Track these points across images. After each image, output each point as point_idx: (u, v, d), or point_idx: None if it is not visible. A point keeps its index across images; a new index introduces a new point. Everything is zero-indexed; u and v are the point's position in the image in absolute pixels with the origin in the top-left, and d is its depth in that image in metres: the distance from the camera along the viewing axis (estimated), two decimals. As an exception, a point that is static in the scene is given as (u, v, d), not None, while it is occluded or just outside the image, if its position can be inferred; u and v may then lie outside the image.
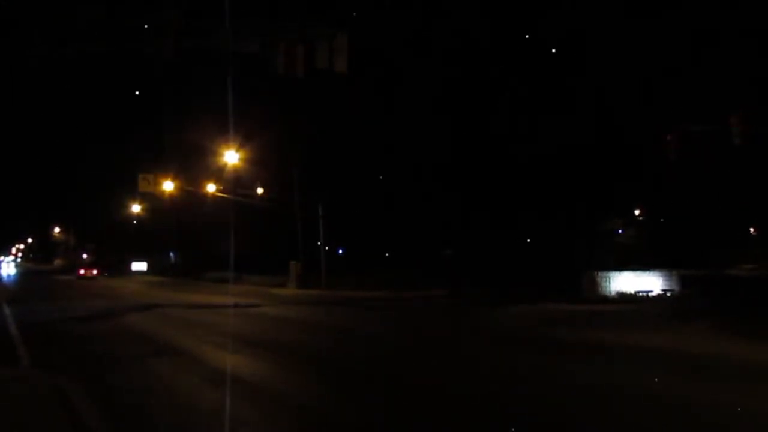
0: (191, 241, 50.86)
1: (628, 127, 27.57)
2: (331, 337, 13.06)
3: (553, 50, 27.72)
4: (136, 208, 48.93)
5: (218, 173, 33.43)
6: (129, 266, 59.04)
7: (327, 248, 32.67)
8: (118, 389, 7.63)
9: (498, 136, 30.49)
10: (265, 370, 8.97)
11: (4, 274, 47.48)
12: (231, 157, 31.17)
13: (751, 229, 45.93)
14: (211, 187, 34.33)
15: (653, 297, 20.08)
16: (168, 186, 33.29)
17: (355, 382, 7.98)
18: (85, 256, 76.14)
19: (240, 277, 34.73)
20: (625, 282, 20.60)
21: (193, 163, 36.15)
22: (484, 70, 29.46)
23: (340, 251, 49.03)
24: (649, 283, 20.65)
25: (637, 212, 38.54)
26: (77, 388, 7.44)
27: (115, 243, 62.53)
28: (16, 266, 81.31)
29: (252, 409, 6.60)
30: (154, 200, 43.18)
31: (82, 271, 49.12)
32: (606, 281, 20.58)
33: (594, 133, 28.42)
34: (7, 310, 18.04)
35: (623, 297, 19.87)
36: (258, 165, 33.38)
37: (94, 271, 49.38)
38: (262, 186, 35.67)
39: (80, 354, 10.40)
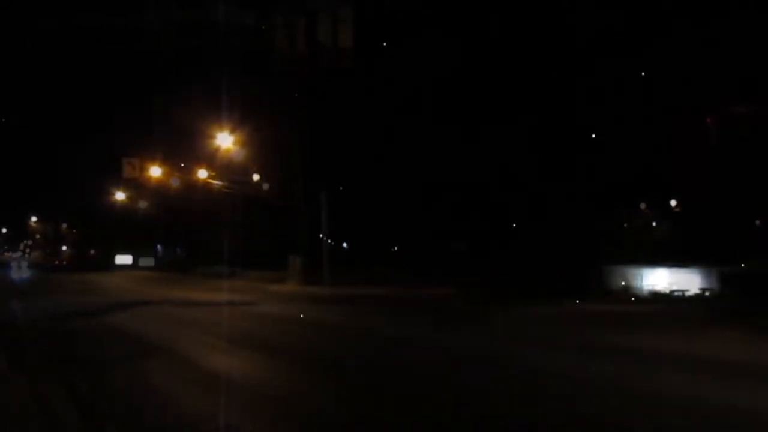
0: (181, 232, 51.09)
1: (663, 109, 27.39)
2: (333, 340, 13.10)
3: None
4: (120, 195, 48.92)
5: (211, 158, 33.50)
6: (113, 259, 59.46)
7: (330, 242, 32.73)
8: (103, 393, 7.72)
9: (514, 121, 30.39)
10: (261, 374, 9.04)
11: None
12: (225, 140, 31.20)
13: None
14: (202, 173, 34.37)
15: (690, 297, 20.01)
16: (155, 172, 33.35)
17: (359, 390, 8.01)
18: (64, 248, 76.71)
19: (235, 272, 34.85)
20: (658, 279, 20.55)
21: (184, 148, 36.25)
22: (497, 55, 29.35)
23: (345, 245, 49.16)
24: (686, 281, 20.59)
25: (673, 203, 38.32)
26: (59, 393, 7.54)
27: (98, 234, 62.97)
28: None
29: (247, 415, 6.67)
30: (140, 188, 43.36)
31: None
32: (638, 279, 20.55)
33: (622, 116, 28.27)
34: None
35: (656, 296, 19.84)
36: (255, 150, 33.41)
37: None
38: (259, 173, 35.72)
39: (62, 355, 10.50)
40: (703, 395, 7.46)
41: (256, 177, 35.90)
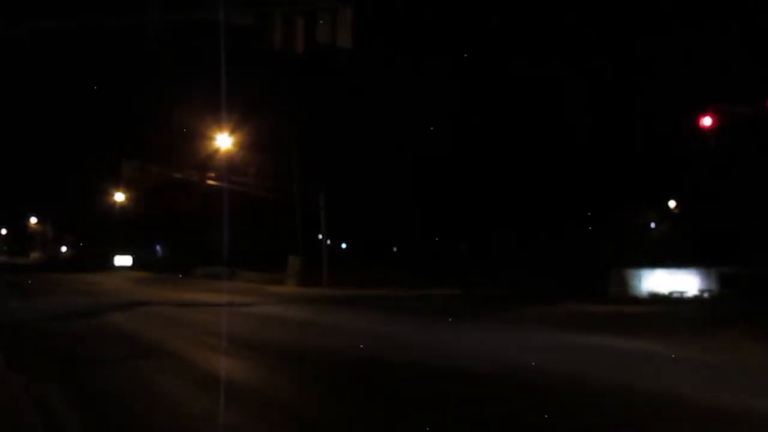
0: (180, 233, 51.11)
1: (661, 109, 27.46)
2: (334, 340, 13.13)
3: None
4: (119, 196, 48.95)
5: (210, 159, 33.56)
6: (112, 260, 59.35)
7: (329, 242, 32.78)
8: (101, 394, 7.77)
9: (516, 120, 30.46)
10: (260, 375, 9.09)
11: None
12: (224, 141, 31.31)
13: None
14: (201, 174, 34.45)
15: (688, 298, 20.03)
16: (155, 172, 33.46)
17: (362, 392, 8.07)
18: (63, 249, 76.77)
19: (234, 273, 34.92)
20: (657, 281, 20.58)
21: (183, 149, 36.31)
22: (499, 53, 29.46)
23: (344, 245, 49.24)
24: (685, 282, 20.59)
25: (672, 204, 38.39)
26: (57, 393, 7.59)
27: (97, 235, 62.94)
28: None
29: (245, 416, 6.72)
30: (139, 189, 43.37)
31: None
32: (636, 280, 20.57)
33: (622, 117, 28.35)
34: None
35: (655, 297, 19.87)
36: (254, 150, 33.47)
37: None
38: (258, 173, 35.79)
39: (61, 356, 10.55)
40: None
41: (255, 177, 35.96)
